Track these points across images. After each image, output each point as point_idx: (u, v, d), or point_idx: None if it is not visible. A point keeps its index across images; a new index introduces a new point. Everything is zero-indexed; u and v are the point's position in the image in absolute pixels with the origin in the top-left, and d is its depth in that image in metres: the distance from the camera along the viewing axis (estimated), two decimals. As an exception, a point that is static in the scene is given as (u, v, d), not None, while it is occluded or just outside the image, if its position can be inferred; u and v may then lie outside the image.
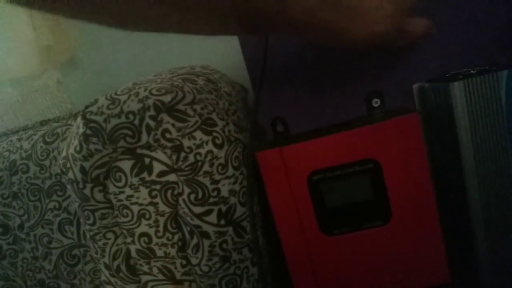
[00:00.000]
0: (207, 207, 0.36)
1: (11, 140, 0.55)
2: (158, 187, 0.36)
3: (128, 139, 0.34)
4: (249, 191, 0.36)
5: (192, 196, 0.35)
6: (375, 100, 0.38)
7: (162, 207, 0.37)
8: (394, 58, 0.38)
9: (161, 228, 0.37)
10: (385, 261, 0.38)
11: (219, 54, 0.60)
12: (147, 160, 0.35)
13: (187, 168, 0.34)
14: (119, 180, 0.36)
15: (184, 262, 0.39)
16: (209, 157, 0.34)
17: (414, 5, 0.31)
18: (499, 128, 0.33)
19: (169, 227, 0.37)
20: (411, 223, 0.36)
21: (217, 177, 0.35)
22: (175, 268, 0.39)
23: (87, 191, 0.37)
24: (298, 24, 0.28)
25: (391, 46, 0.33)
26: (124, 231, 0.39)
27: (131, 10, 0.24)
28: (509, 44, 0.36)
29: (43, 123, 0.58)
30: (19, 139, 0.55)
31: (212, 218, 0.36)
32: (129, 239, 0.39)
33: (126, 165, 0.36)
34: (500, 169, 0.34)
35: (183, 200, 0.36)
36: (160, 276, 0.39)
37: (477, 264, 0.36)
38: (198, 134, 0.34)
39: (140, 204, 0.37)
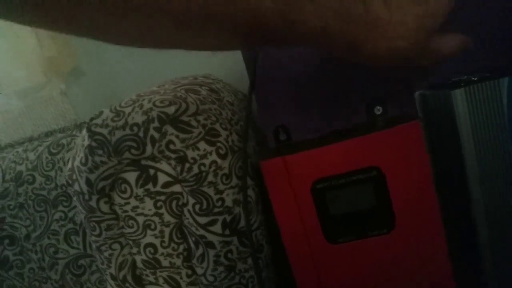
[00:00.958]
0: (211, 217, 0.36)
1: (17, 151, 0.56)
2: (163, 197, 0.36)
3: (133, 150, 0.34)
4: (254, 200, 0.36)
5: (197, 207, 0.35)
6: (377, 107, 0.38)
7: (167, 217, 0.37)
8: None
9: (166, 239, 0.38)
10: (390, 269, 0.38)
11: (221, 62, 0.61)
12: (152, 171, 0.35)
13: (191, 179, 0.35)
14: (125, 192, 0.36)
15: (189, 272, 0.39)
16: (213, 168, 0.35)
17: (441, 22, 0.30)
18: (502, 135, 0.33)
19: (174, 237, 0.38)
20: (415, 231, 0.36)
21: (221, 187, 0.35)
22: (181, 278, 0.39)
23: (93, 203, 0.37)
24: (310, 37, 0.27)
25: (414, 65, 0.32)
26: (130, 242, 0.39)
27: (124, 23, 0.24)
28: (510, 50, 0.36)
29: (48, 134, 0.59)
30: (25, 150, 0.55)
31: (217, 228, 0.36)
32: (134, 250, 0.39)
33: (131, 176, 0.36)
34: (503, 175, 0.34)
35: (188, 210, 0.36)
36: (166, 286, 0.39)
37: (481, 271, 0.36)
38: (202, 145, 0.34)
39: (146, 215, 0.37)
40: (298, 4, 0.24)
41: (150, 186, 0.36)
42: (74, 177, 0.37)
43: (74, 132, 0.54)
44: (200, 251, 0.37)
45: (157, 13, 0.22)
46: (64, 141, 0.53)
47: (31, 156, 0.53)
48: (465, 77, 0.36)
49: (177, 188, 0.36)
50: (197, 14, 0.23)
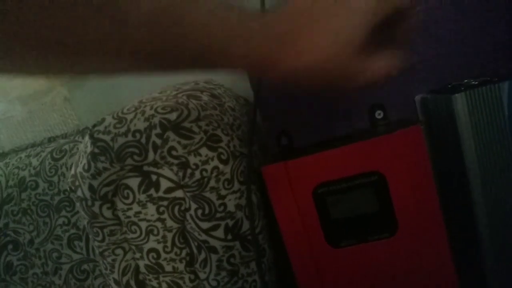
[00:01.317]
0: (214, 222, 0.36)
1: (20, 157, 0.56)
2: (165, 203, 0.36)
3: (135, 157, 0.35)
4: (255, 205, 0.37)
5: (199, 212, 0.36)
6: (378, 112, 0.39)
7: (169, 223, 0.37)
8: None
9: (169, 244, 0.38)
10: (392, 272, 0.38)
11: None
12: (154, 177, 0.36)
13: (193, 184, 0.35)
14: (127, 197, 0.37)
15: (192, 277, 0.39)
16: (215, 173, 0.35)
17: (362, 43, 0.27)
18: (502, 138, 0.33)
19: (177, 242, 0.38)
20: (417, 235, 0.36)
21: (223, 192, 0.36)
22: (184, 283, 0.39)
23: (96, 209, 0.37)
24: (202, 59, 0.26)
25: (343, 87, 0.29)
26: (133, 247, 0.39)
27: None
28: (510, 55, 0.36)
29: (51, 139, 0.59)
30: (28, 156, 0.55)
31: (219, 233, 0.36)
32: (137, 255, 0.39)
33: (133, 182, 0.36)
34: (505, 178, 0.34)
35: (190, 215, 0.36)
36: (169, 291, 0.40)
37: (484, 274, 0.36)
38: (204, 151, 0.34)
39: (148, 220, 0.37)
40: (182, 21, 0.22)
41: (152, 191, 0.36)
42: (77, 183, 0.37)
43: (76, 138, 0.55)
44: (202, 256, 0.37)
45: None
46: (66, 147, 0.53)
47: (34, 161, 0.53)
48: (466, 81, 0.36)
49: (179, 193, 0.36)
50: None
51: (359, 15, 0.26)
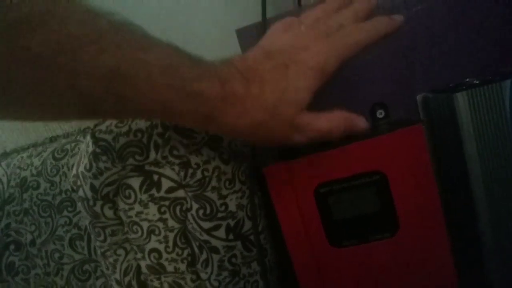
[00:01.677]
0: (215, 222, 0.36)
1: (22, 157, 0.56)
2: (167, 203, 0.36)
3: (137, 156, 0.35)
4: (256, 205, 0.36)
5: (201, 212, 0.36)
6: (380, 111, 0.38)
7: (171, 222, 0.37)
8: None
9: (170, 244, 0.38)
10: (394, 272, 0.37)
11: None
12: (155, 177, 0.36)
13: (195, 184, 0.35)
14: (129, 197, 0.37)
15: (194, 277, 0.39)
16: (216, 173, 0.35)
17: (305, 101, 0.28)
18: (504, 137, 0.33)
19: (178, 242, 0.38)
20: (418, 234, 0.36)
21: (224, 192, 0.36)
22: (185, 283, 0.39)
23: (97, 208, 0.37)
24: (149, 113, 0.27)
25: (288, 141, 0.30)
26: (135, 247, 0.39)
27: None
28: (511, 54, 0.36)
29: (52, 139, 0.59)
30: (30, 156, 0.55)
31: (221, 233, 0.36)
32: (139, 255, 0.39)
33: (135, 182, 0.36)
34: (507, 177, 0.34)
35: (192, 215, 0.36)
36: (171, 291, 0.40)
37: (486, 275, 0.36)
38: (205, 150, 0.34)
39: (150, 220, 0.37)
40: (128, 79, 0.23)
41: (154, 191, 0.36)
42: (78, 183, 0.37)
43: (78, 138, 0.55)
44: (204, 256, 0.37)
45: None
46: (68, 146, 0.53)
47: (36, 161, 0.53)
48: (467, 80, 0.36)
49: (180, 193, 0.36)
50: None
51: (307, 76, 0.28)
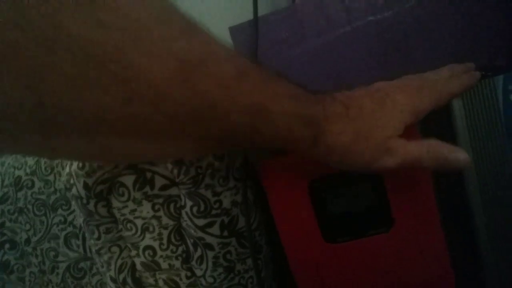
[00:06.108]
0: (209, 219, 0.36)
1: (16, 156, 0.56)
2: (160, 200, 0.36)
3: (130, 154, 0.34)
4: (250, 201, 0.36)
5: (195, 209, 0.36)
6: (373, 107, 0.38)
7: (165, 220, 0.37)
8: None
9: (165, 241, 0.38)
10: (389, 268, 0.38)
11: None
12: (149, 175, 0.36)
13: (188, 181, 0.35)
14: (122, 195, 0.37)
15: (189, 273, 0.39)
16: (210, 170, 0.35)
17: (394, 133, 0.29)
18: (498, 132, 0.33)
19: (173, 239, 0.38)
20: (413, 229, 0.36)
21: (218, 189, 0.36)
22: (180, 280, 0.39)
23: (91, 207, 0.37)
24: (276, 141, 0.27)
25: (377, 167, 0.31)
26: (129, 245, 0.39)
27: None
28: (505, 48, 0.36)
29: (46, 138, 0.59)
30: (24, 155, 0.55)
31: (215, 229, 0.36)
32: (134, 253, 0.39)
33: (128, 180, 0.36)
34: (500, 172, 0.34)
35: (186, 212, 0.36)
36: (166, 288, 0.40)
37: (481, 269, 0.36)
38: (199, 147, 0.34)
39: (144, 218, 0.37)
40: (263, 114, 0.24)
41: (147, 189, 0.36)
42: (71, 181, 0.37)
43: (72, 136, 0.54)
44: (198, 252, 0.37)
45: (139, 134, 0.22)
46: (62, 145, 0.53)
47: (30, 160, 0.53)
48: (460, 75, 0.36)
49: (174, 190, 0.36)
50: (175, 134, 0.23)
51: (402, 110, 0.29)
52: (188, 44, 0.20)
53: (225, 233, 0.37)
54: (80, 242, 0.51)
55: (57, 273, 0.53)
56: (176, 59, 0.20)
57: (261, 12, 0.40)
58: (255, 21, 0.39)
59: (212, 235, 0.36)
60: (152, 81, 0.19)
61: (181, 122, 0.22)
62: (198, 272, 0.38)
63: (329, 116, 0.27)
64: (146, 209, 0.37)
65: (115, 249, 0.40)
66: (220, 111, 0.22)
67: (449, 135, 0.35)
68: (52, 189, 0.50)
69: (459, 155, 0.29)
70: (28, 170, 0.52)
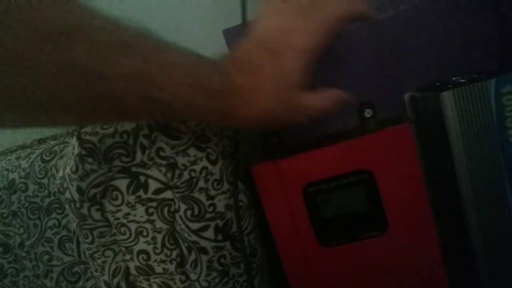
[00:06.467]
0: (203, 223, 0.36)
1: (10, 159, 0.55)
2: (154, 204, 0.36)
3: (123, 158, 0.34)
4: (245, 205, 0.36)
5: (189, 213, 0.35)
6: (367, 110, 0.39)
7: (159, 224, 0.37)
8: None
9: (159, 245, 0.38)
10: (383, 270, 0.38)
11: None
12: (142, 178, 0.35)
13: (182, 185, 0.35)
14: (116, 199, 0.36)
15: (183, 278, 0.39)
16: (204, 174, 0.35)
17: (302, 83, 0.31)
18: (490, 135, 0.33)
19: (167, 243, 0.38)
20: (407, 233, 0.36)
21: (212, 192, 0.35)
22: (175, 284, 0.39)
23: (84, 210, 0.37)
24: (177, 113, 0.28)
25: (292, 123, 0.32)
26: (123, 249, 0.39)
27: None
28: (497, 52, 0.37)
29: (40, 141, 0.59)
30: (18, 158, 0.55)
31: (209, 233, 0.36)
32: (127, 257, 0.39)
33: (122, 183, 0.36)
34: (493, 175, 0.34)
35: (180, 216, 0.36)
36: (160, 293, 0.39)
37: (475, 271, 0.36)
38: (192, 151, 0.34)
39: (137, 222, 0.37)
40: (151, 83, 0.24)
41: (141, 193, 0.36)
42: (65, 185, 0.37)
43: (66, 139, 0.54)
44: (193, 256, 0.37)
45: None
46: (56, 148, 0.52)
47: (24, 163, 0.53)
48: (454, 79, 0.36)
49: (168, 194, 0.36)
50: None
51: (299, 59, 0.30)
52: (55, 12, 0.21)
53: (219, 237, 0.36)
54: (74, 246, 0.51)
55: (51, 277, 0.53)
56: (45, 25, 0.20)
57: (254, 15, 0.40)
58: (244, 24, 0.39)
59: (206, 239, 0.36)
60: (19, 48, 0.20)
61: (61, 92, 0.22)
62: (193, 276, 0.38)
63: (237, 90, 0.28)
64: (140, 213, 0.36)
65: (109, 253, 0.40)
66: (95, 79, 0.22)
67: (442, 138, 0.35)
68: (46, 192, 0.50)
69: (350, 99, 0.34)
70: (22, 173, 0.52)
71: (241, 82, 0.29)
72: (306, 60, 0.30)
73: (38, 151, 0.53)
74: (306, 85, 0.31)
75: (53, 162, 0.51)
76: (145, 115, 0.28)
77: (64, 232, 0.51)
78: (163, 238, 0.37)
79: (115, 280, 0.41)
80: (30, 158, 0.53)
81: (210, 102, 0.27)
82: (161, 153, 0.34)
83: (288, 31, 0.30)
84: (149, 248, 0.38)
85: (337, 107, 0.33)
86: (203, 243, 0.36)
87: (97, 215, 0.38)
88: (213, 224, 0.36)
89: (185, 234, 0.36)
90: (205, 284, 0.38)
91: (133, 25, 0.24)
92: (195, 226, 0.36)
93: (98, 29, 0.22)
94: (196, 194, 0.35)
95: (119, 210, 0.37)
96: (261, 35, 0.31)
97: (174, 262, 0.38)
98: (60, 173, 0.38)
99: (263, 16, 0.32)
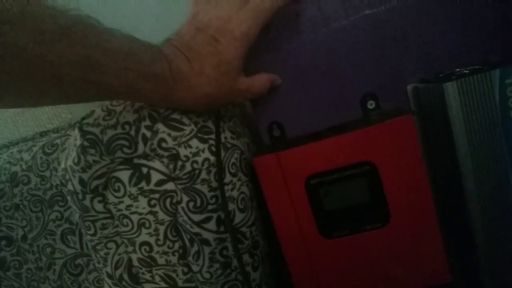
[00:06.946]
0: (206, 215, 0.36)
1: (12, 152, 0.55)
2: (156, 196, 0.36)
3: (125, 149, 0.34)
4: (247, 197, 0.36)
5: (191, 204, 0.35)
6: (370, 102, 0.38)
7: (161, 215, 0.37)
8: None
9: (161, 237, 0.38)
10: (385, 262, 0.38)
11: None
12: (144, 170, 0.35)
13: (184, 177, 0.35)
14: (118, 190, 0.36)
15: (185, 269, 0.39)
16: (206, 165, 0.35)
17: (240, 68, 0.34)
18: (494, 126, 0.33)
19: (169, 235, 0.38)
20: (409, 224, 0.36)
21: (214, 184, 0.35)
22: (177, 275, 0.39)
23: (87, 202, 0.37)
24: (119, 95, 0.30)
25: (230, 103, 0.38)
26: (125, 241, 0.39)
27: None
28: (500, 43, 0.36)
29: (42, 134, 0.59)
30: (20, 151, 0.55)
31: (212, 225, 0.36)
32: (130, 248, 0.39)
33: (124, 175, 0.36)
34: (496, 167, 0.34)
35: (182, 208, 0.36)
36: (163, 284, 0.39)
37: (477, 263, 0.36)
38: (194, 142, 0.34)
39: (140, 213, 0.37)
40: (95, 67, 0.26)
41: (143, 184, 0.36)
42: (67, 177, 0.37)
43: (68, 132, 0.54)
44: (195, 248, 0.37)
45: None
46: (58, 141, 0.52)
47: (26, 156, 0.53)
48: (457, 70, 0.35)
49: (170, 186, 0.36)
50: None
51: (236, 46, 0.32)
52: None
53: (222, 229, 0.37)
54: (77, 239, 0.51)
55: (54, 270, 0.53)
56: None
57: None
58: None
59: (208, 230, 0.36)
60: None
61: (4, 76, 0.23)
62: (195, 268, 0.38)
63: (175, 75, 0.30)
64: (142, 205, 0.36)
65: (111, 245, 0.40)
66: (41, 65, 0.24)
67: (445, 130, 0.35)
68: (49, 184, 0.50)
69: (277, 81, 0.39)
70: (24, 166, 0.52)
71: (183, 68, 0.31)
72: (243, 47, 0.33)
73: (40, 144, 0.53)
74: (242, 69, 0.34)
75: (55, 155, 0.51)
76: (93, 96, 0.29)
77: (67, 225, 0.51)
78: (166, 230, 0.37)
79: (118, 272, 0.41)
80: (32, 151, 0.53)
81: (152, 85, 0.30)
82: (163, 145, 0.34)
83: (226, 20, 0.33)
84: (152, 240, 0.38)
85: (268, 89, 0.38)
86: (206, 234, 0.36)
87: (99, 206, 0.38)
88: (215, 215, 0.36)
89: (188, 226, 0.37)
90: (207, 275, 0.38)
91: (75, 14, 0.26)
92: (197, 217, 0.36)
93: (43, 17, 0.23)
94: (198, 186, 0.35)
95: (122, 202, 0.37)
96: (201, 23, 0.33)
97: (177, 254, 0.38)
98: (62, 165, 0.38)
99: (200, 3, 0.34)
